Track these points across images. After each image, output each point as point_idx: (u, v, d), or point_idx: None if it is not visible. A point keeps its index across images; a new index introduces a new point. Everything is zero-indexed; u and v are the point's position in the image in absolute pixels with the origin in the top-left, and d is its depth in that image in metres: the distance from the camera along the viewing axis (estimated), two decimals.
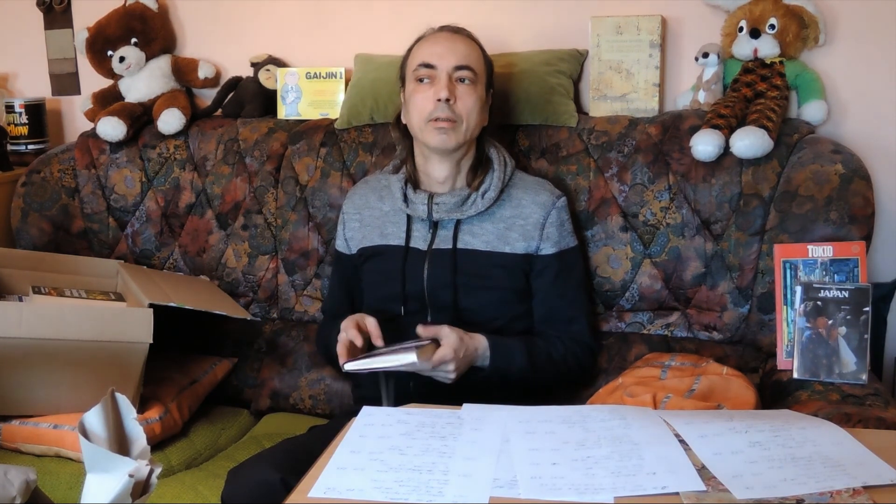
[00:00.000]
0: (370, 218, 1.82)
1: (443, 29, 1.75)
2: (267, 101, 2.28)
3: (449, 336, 1.54)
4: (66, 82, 2.59)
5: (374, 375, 1.60)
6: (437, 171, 1.74)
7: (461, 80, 1.68)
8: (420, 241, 1.74)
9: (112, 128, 2.22)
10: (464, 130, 1.69)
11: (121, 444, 0.94)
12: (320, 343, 1.90)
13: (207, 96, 2.40)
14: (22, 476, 0.96)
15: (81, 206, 2.29)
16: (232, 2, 2.37)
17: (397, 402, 1.43)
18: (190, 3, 2.41)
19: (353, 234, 1.84)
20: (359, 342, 1.56)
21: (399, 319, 1.70)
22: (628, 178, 1.90)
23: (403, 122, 1.77)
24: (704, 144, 1.81)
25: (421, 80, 1.70)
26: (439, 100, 1.66)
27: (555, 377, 1.73)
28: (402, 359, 1.46)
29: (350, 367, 1.50)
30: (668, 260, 1.88)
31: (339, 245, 1.88)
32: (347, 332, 1.57)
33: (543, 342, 1.71)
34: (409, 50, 1.76)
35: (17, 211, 2.28)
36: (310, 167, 2.11)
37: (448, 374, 1.55)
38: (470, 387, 1.63)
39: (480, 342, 1.61)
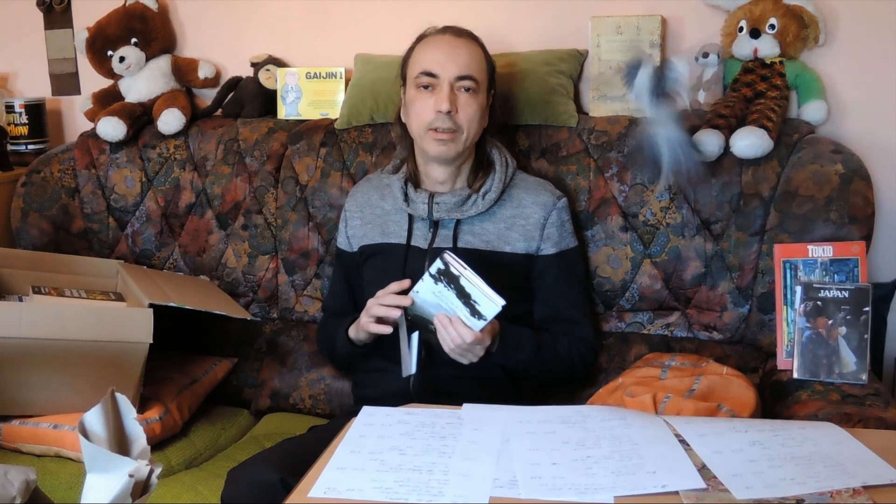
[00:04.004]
0: (371, 216, 1.82)
1: (445, 31, 1.72)
2: (267, 101, 2.28)
3: (494, 322, 1.54)
4: (66, 82, 2.59)
5: (395, 342, 1.61)
6: (436, 173, 1.74)
7: (463, 88, 1.67)
8: (421, 239, 1.74)
9: (112, 128, 2.22)
10: (464, 139, 1.69)
11: (121, 444, 0.94)
12: (323, 341, 1.90)
13: (207, 96, 2.40)
14: (22, 476, 0.96)
15: (81, 206, 2.29)
16: (232, 2, 2.37)
17: (396, 401, 1.43)
18: (190, 3, 2.41)
19: (355, 232, 1.84)
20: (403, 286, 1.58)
21: (400, 317, 1.70)
22: (628, 178, 1.90)
23: (403, 121, 1.77)
24: (704, 144, 1.81)
25: (422, 87, 1.68)
26: (440, 111, 1.65)
27: (558, 372, 1.73)
28: (492, 294, 1.45)
29: (450, 257, 1.48)
30: (668, 260, 1.88)
31: (341, 243, 1.88)
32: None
33: (550, 337, 1.71)
34: (411, 49, 1.75)
35: (17, 211, 2.28)
36: (310, 167, 2.11)
37: (477, 354, 1.55)
38: (470, 387, 1.63)
39: (495, 326, 1.60)
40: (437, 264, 1.49)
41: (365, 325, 1.62)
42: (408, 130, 1.75)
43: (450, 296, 1.50)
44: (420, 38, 1.75)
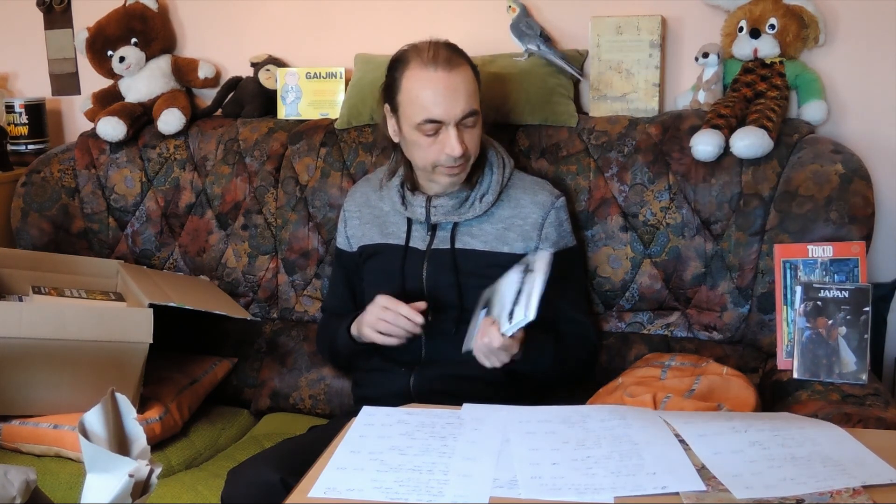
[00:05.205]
0: (370, 216, 1.82)
1: (436, 65, 1.61)
2: (267, 101, 2.28)
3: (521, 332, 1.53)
4: (66, 82, 2.59)
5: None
6: (436, 187, 1.73)
7: (467, 124, 1.63)
8: (419, 241, 1.74)
9: (112, 128, 2.22)
10: (471, 163, 1.69)
11: (121, 444, 0.94)
12: (323, 341, 1.90)
13: (207, 96, 2.40)
14: (22, 476, 0.96)
15: (81, 206, 2.29)
16: (232, 2, 2.37)
17: (396, 401, 1.43)
18: (190, 3, 2.41)
19: (354, 232, 1.84)
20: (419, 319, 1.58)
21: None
22: (628, 178, 1.90)
23: (396, 141, 1.73)
24: (704, 144, 1.81)
25: (427, 134, 1.63)
26: (452, 155, 1.61)
27: (570, 374, 1.74)
28: (531, 305, 1.42)
29: (546, 253, 1.47)
30: (668, 260, 1.88)
31: (341, 243, 1.88)
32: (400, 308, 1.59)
33: (564, 339, 1.71)
34: (398, 78, 1.67)
35: (17, 211, 2.28)
36: (310, 167, 2.11)
37: (501, 360, 1.53)
38: (471, 386, 1.63)
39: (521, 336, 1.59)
40: (532, 258, 1.48)
41: (370, 336, 1.63)
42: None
43: (512, 287, 1.49)
44: (404, 64, 1.66)
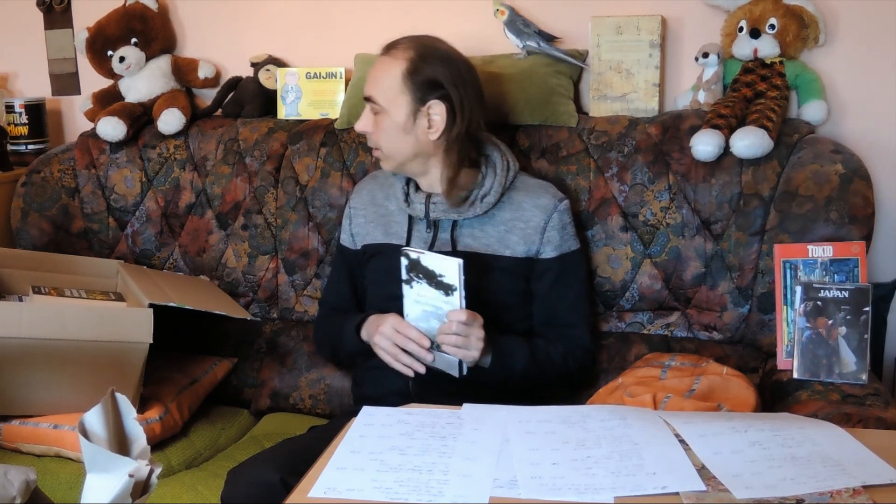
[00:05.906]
0: (375, 215, 1.82)
1: (384, 48, 1.72)
2: (267, 101, 2.28)
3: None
4: (66, 82, 2.59)
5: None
6: (418, 181, 1.76)
7: (373, 109, 1.69)
8: (420, 242, 1.74)
9: (112, 128, 2.22)
10: (390, 157, 1.71)
11: (121, 444, 0.94)
12: (323, 337, 1.89)
13: (207, 96, 2.40)
14: (22, 476, 0.96)
15: (81, 206, 2.29)
16: (232, 2, 2.37)
17: (396, 401, 1.43)
18: (190, 3, 2.41)
19: (359, 230, 1.84)
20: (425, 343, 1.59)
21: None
22: (628, 178, 1.90)
23: None
24: (704, 144, 1.81)
25: None
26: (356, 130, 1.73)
27: (554, 378, 1.73)
28: (447, 258, 1.47)
29: (407, 248, 1.54)
30: (668, 260, 1.88)
31: (345, 240, 1.88)
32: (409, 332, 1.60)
33: (544, 342, 1.71)
34: None
35: (17, 211, 2.28)
36: (310, 167, 2.11)
37: (478, 337, 1.54)
38: (470, 387, 1.63)
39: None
40: (402, 262, 1.54)
41: (380, 355, 1.63)
42: None
43: (425, 290, 1.51)
44: None
